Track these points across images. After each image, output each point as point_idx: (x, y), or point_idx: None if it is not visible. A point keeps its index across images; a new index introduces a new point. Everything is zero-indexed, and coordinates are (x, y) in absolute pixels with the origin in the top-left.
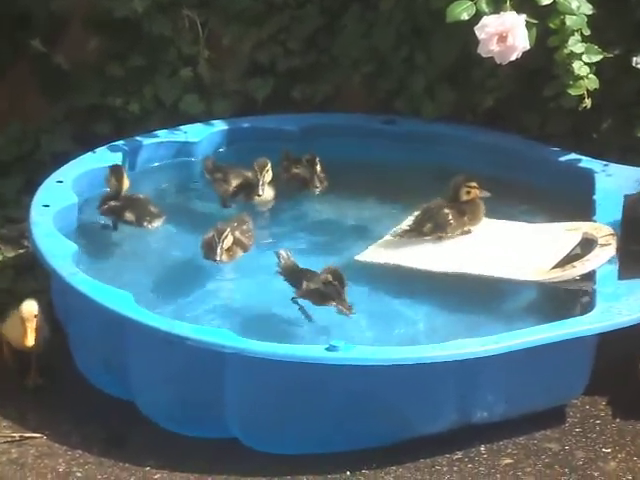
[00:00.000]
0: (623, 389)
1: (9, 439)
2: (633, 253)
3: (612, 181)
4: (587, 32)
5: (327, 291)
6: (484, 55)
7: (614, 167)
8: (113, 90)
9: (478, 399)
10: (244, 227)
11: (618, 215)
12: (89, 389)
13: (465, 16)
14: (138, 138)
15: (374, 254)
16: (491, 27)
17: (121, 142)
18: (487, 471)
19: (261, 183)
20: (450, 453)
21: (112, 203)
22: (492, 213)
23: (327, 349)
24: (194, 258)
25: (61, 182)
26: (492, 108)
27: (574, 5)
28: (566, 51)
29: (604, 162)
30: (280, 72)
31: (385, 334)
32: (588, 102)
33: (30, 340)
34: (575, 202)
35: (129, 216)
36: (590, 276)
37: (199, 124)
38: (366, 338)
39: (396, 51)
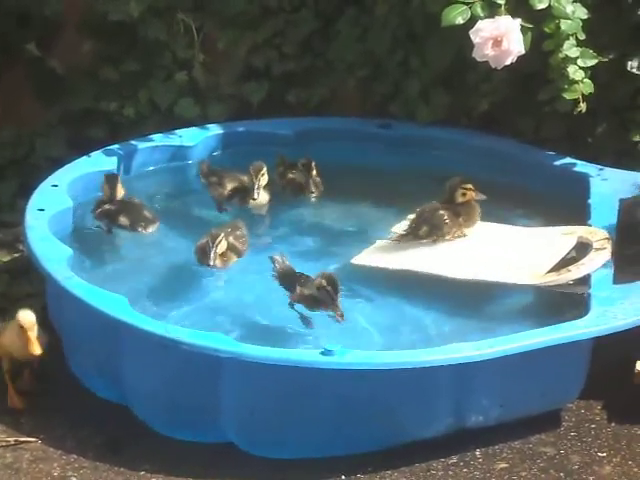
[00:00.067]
0: (618, 393)
1: (4, 443)
2: (628, 257)
3: (607, 185)
4: (582, 36)
5: (320, 296)
6: (479, 59)
7: (609, 171)
8: (108, 94)
9: (473, 403)
10: (238, 233)
11: (613, 219)
12: (84, 393)
13: (460, 20)
14: (133, 142)
15: (370, 258)
16: (486, 31)
17: (116, 146)
18: (482, 475)
19: (256, 187)
20: (445, 457)
21: (106, 207)
22: (487, 217)
23: (322, 353)
24: (189, 263)
25: (56, 186)
26: (487, 112)
27: (569, 9)
28: (561, 55)
29: (599, 166)
30: (275, 76)
31: (381, 338)
32: (583, 106)
33: (37, 348)
34: (570, 206)
35: (123, 220)
36: (585, 280)
37: (194, 128)
38: (362, 342)
39: (391, 55)
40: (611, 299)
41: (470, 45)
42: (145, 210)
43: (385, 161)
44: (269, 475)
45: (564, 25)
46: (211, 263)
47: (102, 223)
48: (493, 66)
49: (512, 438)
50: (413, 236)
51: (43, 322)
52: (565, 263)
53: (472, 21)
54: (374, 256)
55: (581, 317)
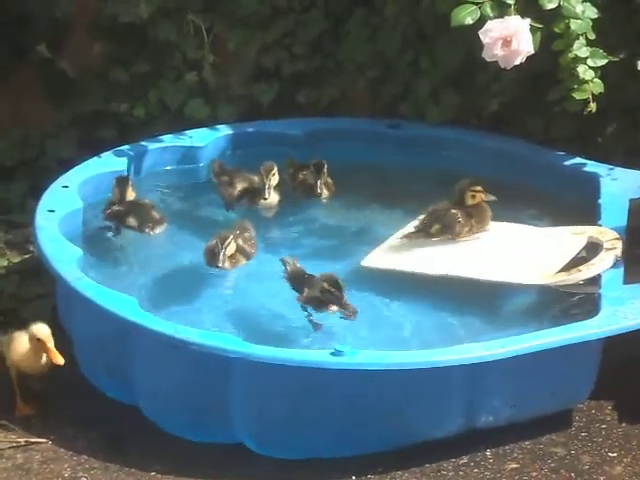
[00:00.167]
0: (629, 393)
1: (14, 444)
2: (638, 257)
3: (617, 185)
4: (592, 36)
5: (325, 298)
6: (488, 59)
7: (619, 171)
8: (118, 95)
9: (484, 403)
10: (246, 235)
11: (623, 219)
12: (94, 394)
13: (469, 20)
14: (143, 143)
15: (380, 259)
16: (495, 31)
17: (126, 147)
18: (493, 476)
19: (267, 186)
20: (456, 458)
21: (115, 208)
22: (497, 217)
23: (332, 354)
24: (198, 264)
25: (66, 187)
26: (497, 112)
27: (579, 9)
28: (571, 55)
29: (609, 166)
30: (285, 76)
31: (391, 338)
32: (593, 106)
33: (59, 358)
34: (580, 206)
35: (132, 221)
36: (595, 280)
37: (204, 129)
38: (372, 342)
39: (401, 55)
40: (621, 299)
41: (480, 45)
42: (153, 211)
43: (395, 161)
44: (279, 475)
45: (574, 25)
46: (220, 264)
47: (111, 224)
48: (502, 66)
49: (523, 438)
50: (424, 234)
51: (54, 323)
52: (575, 263)
53: (481, 21)
54: (384, 258)
55: (592, 317)
